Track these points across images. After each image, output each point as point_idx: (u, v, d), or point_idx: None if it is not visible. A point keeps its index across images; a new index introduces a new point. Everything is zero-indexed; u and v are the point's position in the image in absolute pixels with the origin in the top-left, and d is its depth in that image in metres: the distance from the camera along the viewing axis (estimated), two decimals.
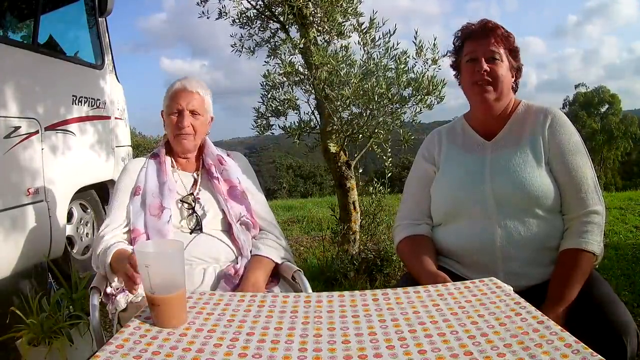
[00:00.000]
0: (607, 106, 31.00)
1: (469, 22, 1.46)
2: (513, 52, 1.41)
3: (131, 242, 1.44)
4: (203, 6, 3.30)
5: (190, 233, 1.47)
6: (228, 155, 1.67)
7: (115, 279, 1.37)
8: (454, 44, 1.49)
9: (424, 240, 1.43)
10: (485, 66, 1.36)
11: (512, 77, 1.42)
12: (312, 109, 3.28)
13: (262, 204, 1.63)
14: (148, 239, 1.41)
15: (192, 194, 1.54)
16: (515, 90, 1.45)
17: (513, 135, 1.40)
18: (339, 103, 2.96)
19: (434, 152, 1.51)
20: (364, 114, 3.00)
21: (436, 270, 1.31)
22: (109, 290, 1.41)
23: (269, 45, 3.42)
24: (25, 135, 2.64)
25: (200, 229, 1.48)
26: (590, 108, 31.00)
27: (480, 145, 1.44)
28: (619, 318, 1.14)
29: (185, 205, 1.51)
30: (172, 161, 1.60)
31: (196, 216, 1.50)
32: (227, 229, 1.53)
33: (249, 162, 1.76)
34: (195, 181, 1.58)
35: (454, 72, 1.53)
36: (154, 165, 1.56)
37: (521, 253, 1.30)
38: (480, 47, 1.38)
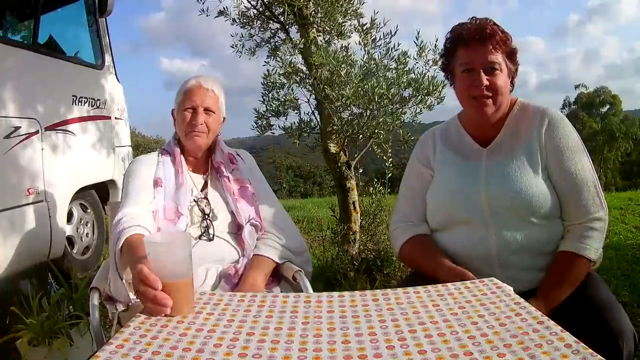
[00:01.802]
0: (607, 107, 30.95)
1: (461, 22, 1.35)
2: (511, 55, 1.32)
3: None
4: (202, 3, 3.29)
5: (199, 238, 1.45)
6: (237, 154, 1.64)
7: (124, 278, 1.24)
8: (445, 45, 1.38)
9: (431, 239, 1.39)
10: (485, 80, 1.27)
11: (509, 79, 1.34)
12: (312, 109, 3.29)
13: (266, 203, 1.60)
14: None
15: (205, 197, 1.50)
16: (511, 90, 1.37)
17: (509, 141, 1.34)
18: (339, 103, 2.96)
19: (429, 154, 1.46)
20: (364, 114, 3.00)
21: (460, 268, 1.25)
22: (107, 289, 1.39)
23: (269, 46, 3.42)
24: (25, 135, 2.65)
25: (210, 239, 1.45)
26: (591, 109, 30.95)
27: (475, 151, 1.38)
28: (615, 321, 1.12)
29: (197, 208, 1.47)
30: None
31: (207, 223, 1.47)
32: (235, 230, 1.51)
33: None
34: (206, 183, 1.55)
35: (444, 74, 1.45)
36: (168, 162, 1.51)
37: (518, 260, 1.27)
38: (477, 57, 1.28)
